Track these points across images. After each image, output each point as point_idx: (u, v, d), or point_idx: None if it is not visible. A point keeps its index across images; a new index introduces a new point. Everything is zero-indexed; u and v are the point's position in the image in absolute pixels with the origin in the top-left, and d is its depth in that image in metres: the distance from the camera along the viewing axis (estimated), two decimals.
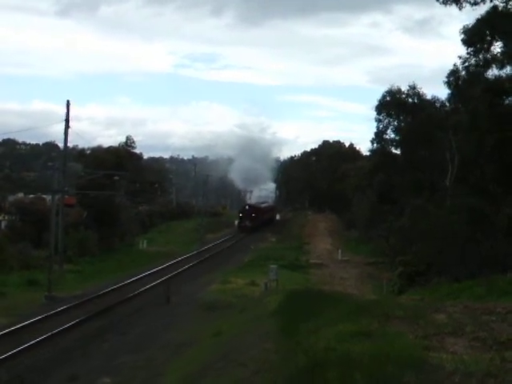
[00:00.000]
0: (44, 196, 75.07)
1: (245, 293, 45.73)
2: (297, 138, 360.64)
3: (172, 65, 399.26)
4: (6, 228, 72.35)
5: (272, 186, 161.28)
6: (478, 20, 46.13)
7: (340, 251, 77.70)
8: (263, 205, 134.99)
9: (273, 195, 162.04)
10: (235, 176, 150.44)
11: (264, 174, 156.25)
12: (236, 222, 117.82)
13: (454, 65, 54.48)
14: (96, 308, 38.80)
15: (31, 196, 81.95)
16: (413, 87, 67.37)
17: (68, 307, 38.86)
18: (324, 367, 13.86)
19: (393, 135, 70.74)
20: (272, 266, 48.68)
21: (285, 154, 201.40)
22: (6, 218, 74.33)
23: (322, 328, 18.49)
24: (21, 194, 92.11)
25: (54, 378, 24.11)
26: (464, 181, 56.22)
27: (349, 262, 72.90)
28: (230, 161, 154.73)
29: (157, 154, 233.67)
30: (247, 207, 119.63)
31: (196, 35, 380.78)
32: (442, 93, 64.99)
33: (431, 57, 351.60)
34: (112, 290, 46.89)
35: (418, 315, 19.76)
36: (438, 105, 65.20)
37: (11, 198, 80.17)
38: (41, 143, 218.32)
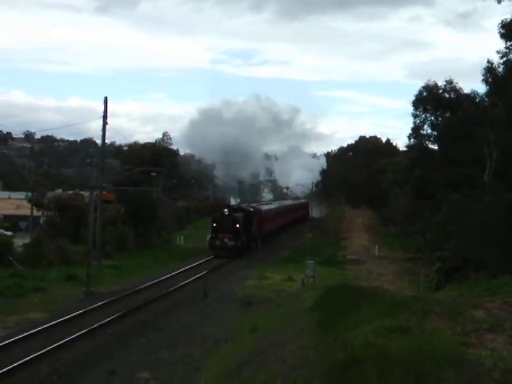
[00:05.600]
0: (82, 192, 75.70)
1: (282, 288, 45.83)
2: (334, 133, 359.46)
3: (210, 61, 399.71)
4: (45, 224, 73.15)
5: (307, 182, 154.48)
6: None
7: (377, 247, 77.48)
8: (266, 207, 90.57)
9: (307, 191, 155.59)
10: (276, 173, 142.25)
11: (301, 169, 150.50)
12: (207, 239, 73.17)
13: (488, 61, 54.00)
14: (134, 303, 39.04)
15: (69, 192, 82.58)
16: (449, 82, 66.80)
17: (106, 302, 39.17)
18: (362, 363, 13.86)
19: (430, 130, 70.27)
20: (309, 262, 48.70)
21: (322, 149, 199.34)
22: (45, 213, 75.06)
23: (360, 324, 18.47)
24: (59, 190, 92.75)
25: (93, 372, 24.35)
26: (502, 176, 55.66)
27: (386, 257, 72.66)
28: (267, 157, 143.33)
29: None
30: (226, 211, 70.73)
31: (235, 31, 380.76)
32: (482, 87, 64.24)
33: (473, 50, 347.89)
34: (149, 285, 47.18)
35: (456, 311, 19.67)
36: (477, 99, 64.58)
37: (50, 195, 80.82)
38: (79, 140, 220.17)
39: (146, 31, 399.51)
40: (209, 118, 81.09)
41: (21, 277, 46.49)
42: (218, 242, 67.94)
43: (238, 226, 68.72)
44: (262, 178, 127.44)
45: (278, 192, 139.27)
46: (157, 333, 31.72)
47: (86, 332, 30.50)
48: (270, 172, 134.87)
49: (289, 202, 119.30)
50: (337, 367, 14.61)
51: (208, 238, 71.94)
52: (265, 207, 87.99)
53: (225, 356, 24.70)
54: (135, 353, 27.50)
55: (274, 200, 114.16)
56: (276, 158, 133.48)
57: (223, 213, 70.62)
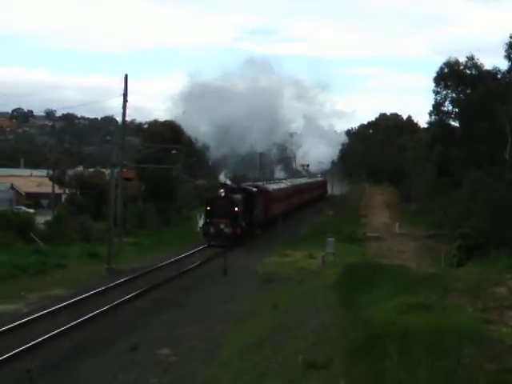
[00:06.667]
0: (103, 170, 75.92)
1: (302, 266, 45.91)
2: (355, 110, 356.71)
3: (231, 38, 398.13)
4: (66, 201, 73.52)
5: (328, 158, 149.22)
6: None
7: (398, 224, 77.25)
8: (274, 186, 78.74)
9: (326, 167, 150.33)
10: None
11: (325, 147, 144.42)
12: (199, 225, 63.08)
13: (511, 37, 53.70)
14: (155, 280, 39.20)
15: (90, 170, 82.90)
16: (471, 58, 66.44)
17: (127, 279, 39.36)
18: (383, 340, 13.90)
19: (451, 107, 69.99)
20: (329, 239, 48.66)
21: (342, 126, 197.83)
22: (67, 191, 75.46)
23: (381, 301, 18.51)
24: (80, 168, 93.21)
25: (115, 348, 24.52)
26: None
27: (407, 235, 72.45)
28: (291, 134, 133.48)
29: None
30: (221, 192, 59.21)
31: (256, 8, 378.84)
32: (505, 63, 63.69)
33: (496, 26, 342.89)
34: (170, 262, 47.31)
35: (477, 288, 19.67)
36: (499, 76, 64.16)
37: (71, 172, 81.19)
38: (99, 117, 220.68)
39: (167, 9, 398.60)
40: (209, 91, 68.35)
41: (43, 254, 46.77)
42: (212, 229, 57.42)
43: (236, 209, 58.12)
44: (272, 156, 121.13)
45: (293, 170, 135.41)
46: (178, 309, 31.87)
47: (108, 308, 30.71)
48: (283, 149, 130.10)
49: (303, 180, 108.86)
50: (358, 344, 14.65)
51: (200, 224, 61.52)
52: (272, 186, 76.55)
53: (246, 333, 24.82)
54: (156, 329, 27.66)
55: (286, 178, 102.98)
56: (292, 135, 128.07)
57: (218, 194, 59.42)
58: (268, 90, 77.55)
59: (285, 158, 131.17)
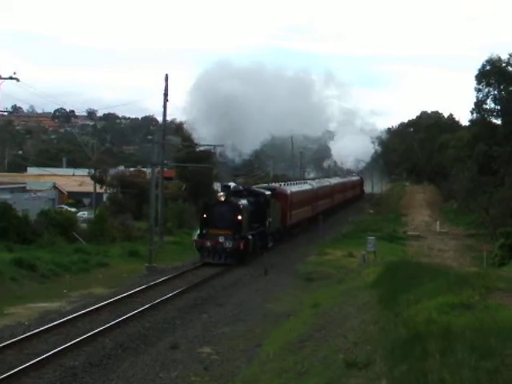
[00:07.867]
0: (144, 169, 76.48)
1: (342, 264, 45.85)
2: (394, 108, 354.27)
3: (266, 36, 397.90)
4: (108, 200, 74.21)
5: (366, 156, 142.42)
6: None
7: (438, 223, 76.79)
8: (296, 187, 67.33)
9: (363, 165, 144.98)
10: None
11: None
12: (194, 237, 48.94)
13: None
14: (195, 279, 39.37)
15: (131, 169, 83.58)
16: None
17: (168, 278, 39.58)
18: (425, 339, 13.83)
19: (493, 105, 69.44)
20: (370, 238, 48.54)
21: (383, 124, 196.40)
22: (108, 190, 76.15)
23: (422, 300, 18.41)
24: (121, 168, 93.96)
25: (156, 346, 24.66)
26: None
27: (447, 233, 72.01)
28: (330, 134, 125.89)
29: None
30: (221, 196, 47.30)
31: (291, 5, 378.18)
32: None
33: None
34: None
35: None
36: None
37: (112, 172, 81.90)
38: (140, 117, 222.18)
39: (203, 8, 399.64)
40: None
41: (85, 253, 47.29)
42: (208, 243, 45.74)
43: (239, 217, 46.38)
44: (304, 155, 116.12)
45: (327, 169, 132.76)
46: (218, 308, 31.95)
47: (149, 307, 30.91)
48: (315, 149, 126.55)
49: (334, 180, 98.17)
50: (399, 343, 14.59)
51: (195, 236, 48.40)
52: (293, 188, 64.94)
53: (286, 331, 24.85)
54: (197, 328, 27.75)
55: (315, 178, 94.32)
56: (329, 134, 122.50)
57: (219, 199, 47.40)
58: (302, 82, 70.18)
59: (318, 158, 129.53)
